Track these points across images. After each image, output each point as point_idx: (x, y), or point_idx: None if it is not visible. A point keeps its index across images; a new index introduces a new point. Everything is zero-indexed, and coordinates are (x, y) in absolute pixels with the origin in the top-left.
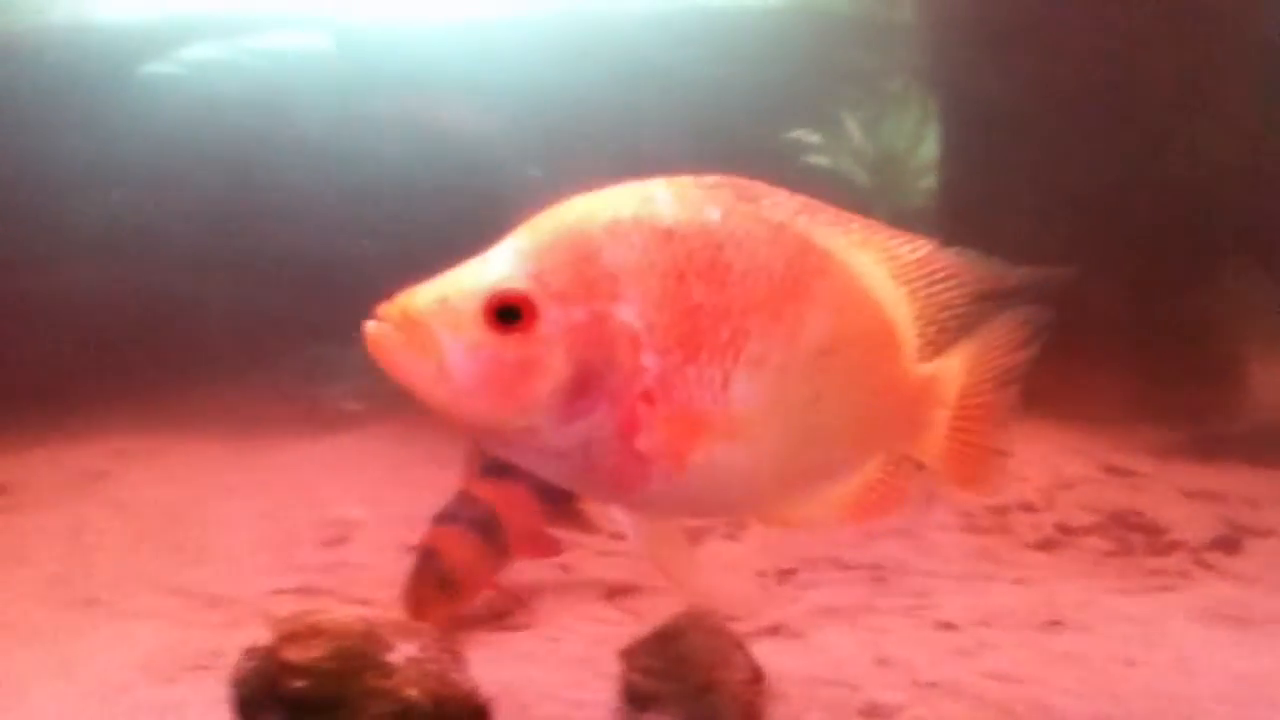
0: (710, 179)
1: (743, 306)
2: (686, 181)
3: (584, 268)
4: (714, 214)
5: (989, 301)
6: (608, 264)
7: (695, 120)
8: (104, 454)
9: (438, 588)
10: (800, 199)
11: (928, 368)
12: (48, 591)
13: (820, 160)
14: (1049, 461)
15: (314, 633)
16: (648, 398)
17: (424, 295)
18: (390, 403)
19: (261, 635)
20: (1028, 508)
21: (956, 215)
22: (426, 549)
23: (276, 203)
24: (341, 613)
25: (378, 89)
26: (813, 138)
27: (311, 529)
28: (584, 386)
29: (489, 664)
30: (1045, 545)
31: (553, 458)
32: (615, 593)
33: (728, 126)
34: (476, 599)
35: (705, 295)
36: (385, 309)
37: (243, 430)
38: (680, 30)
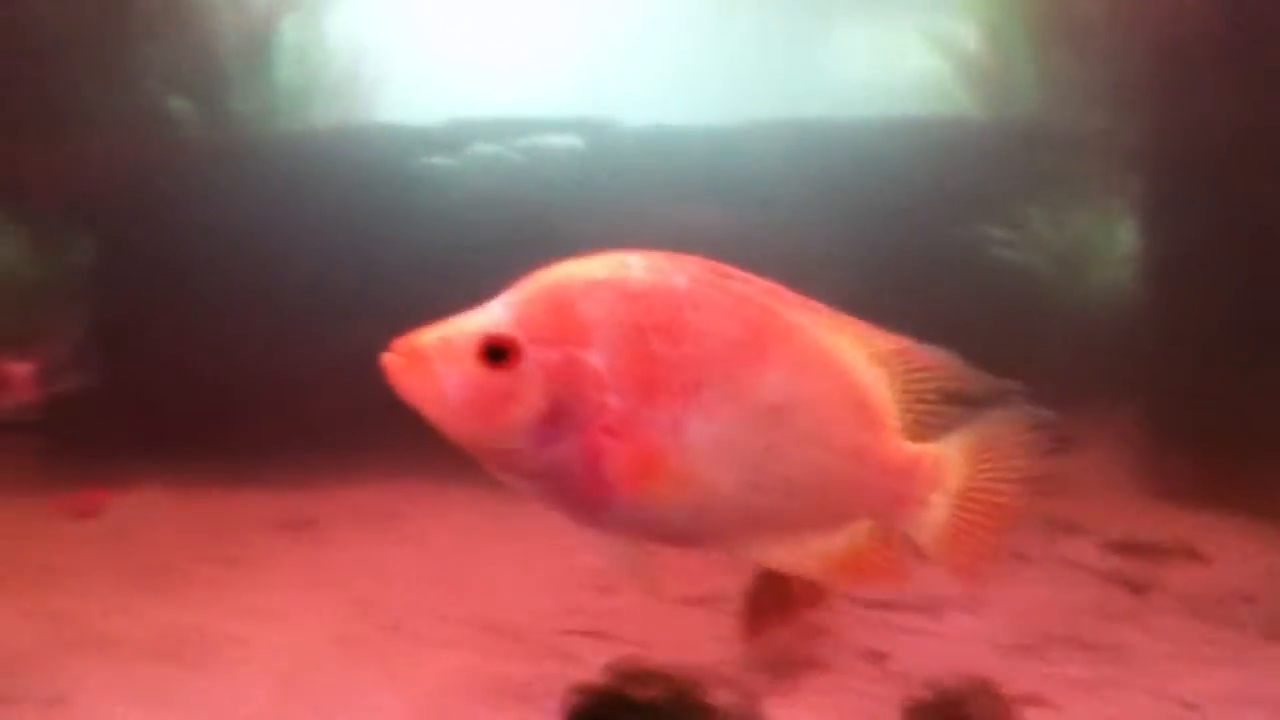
0: (687, 257)
1: (697, 360)
2: (660, 256)
3: (561, 317)
4: (679, 280)
5: (964, 404)
6: (580, 316)
7: (902, 218)
8: (396, 495)
9: (777, 605)
10: (771, 284)
11: (918, 447)
12: (358, 615)
13: (1008, 254)
14: (1262, 557)
15: (649, 675)
16: (610, 431)
17: (430, 334)
18: None
19: (571, 672)
20: (1248, 599)
21: (1143, 307)
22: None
23: None
24: (659, 659)
25: (624, 187)
26: (1001, 233)
27: (587, 575)
28: (556, 417)
29: (786, 711)
30: (1273, 634)
31: (530, 478)
32: (875, 655)
33: (929, 223)
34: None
35: (662, 348)
36: (398, 343)
37: None
38: (889, 137)
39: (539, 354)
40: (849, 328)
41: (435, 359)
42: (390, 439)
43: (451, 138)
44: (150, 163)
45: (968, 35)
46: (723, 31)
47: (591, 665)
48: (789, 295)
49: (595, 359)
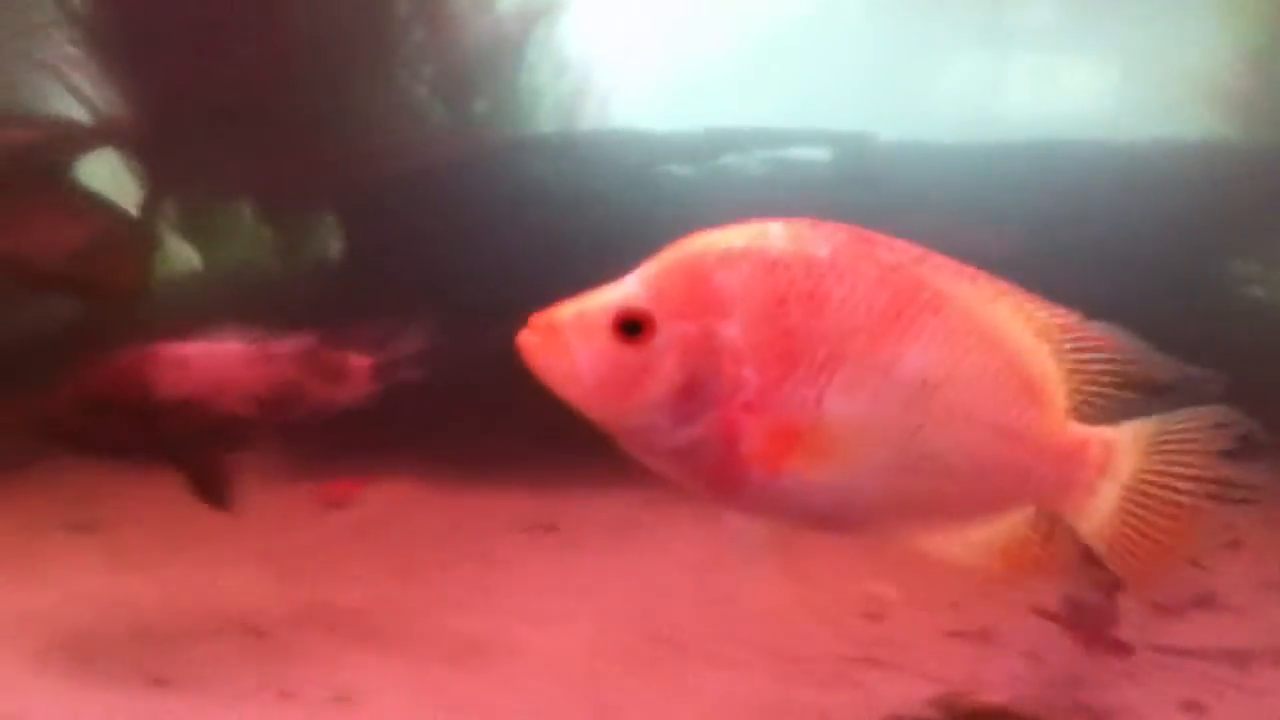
0: (833, 225)
1: (839, 333)
2: (804, 223)
3: (697, 289)
4: (822, 249)
5: (1137, 390)
6: (717, 287)
7: (1144, 249)
8: (635, 502)
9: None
10: (923, 252)
11: (1087, 429)
12: (623, 625)
13: (1257, 291)
14: None
15: (982, 712)
16: (748, 408)
17: (566, 309)
18: None
19: (867, 701)
20: None
21: None
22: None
23: None
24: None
25: (872, 201)
26: (1251, 268)
27: (849, 601)
28: (692, 393)
29: None
30: None
31: (667, 456)
32: (1192, 706)
33: (1173, 258)
34: None
35: (802, 320)
36: (534, 319)
37: None
38: (1134, 164)
39: (674, 328)
40: (1011, 298)
41: (569, 334)
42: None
43: (696, 147)
44: (406, 163)
45: (1220, 54)
46: (965, 51)
47: (885, 695)
48: (943, 263)
49: (733, 332)
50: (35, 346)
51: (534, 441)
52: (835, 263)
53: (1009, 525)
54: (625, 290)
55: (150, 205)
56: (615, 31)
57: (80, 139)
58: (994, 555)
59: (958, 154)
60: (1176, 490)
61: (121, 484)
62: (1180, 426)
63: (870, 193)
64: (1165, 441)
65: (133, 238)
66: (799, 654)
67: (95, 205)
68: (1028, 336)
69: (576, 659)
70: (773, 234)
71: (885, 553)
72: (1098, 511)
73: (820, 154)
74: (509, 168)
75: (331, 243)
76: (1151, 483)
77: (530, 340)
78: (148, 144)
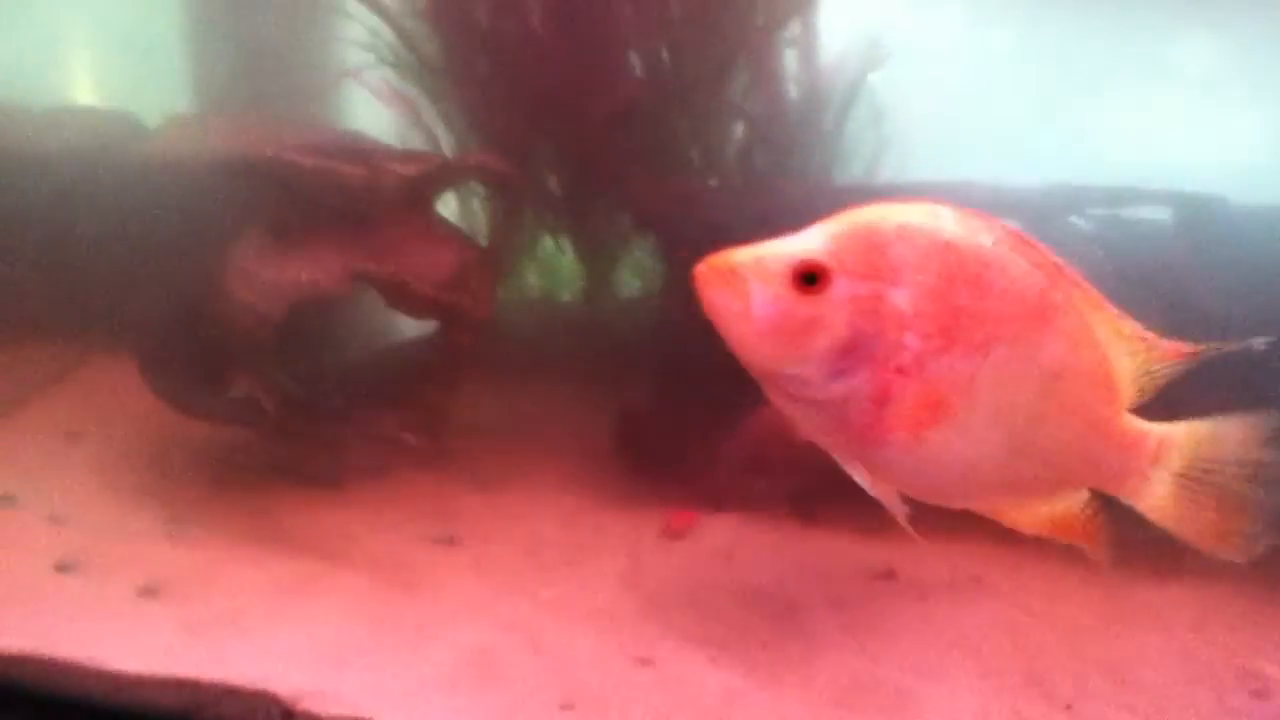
0: (993, 219)
1: (996, 318)
2: (970, 213)
3: (874, 255)
4: (987, 239)
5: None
6: (893, 256)
7: None
8: (972, 557)
9: None
10: (1055, 258)
11: (1145, 426)
12: (1021, 687)
13: None
14: None
15: None
16: (903, 372)
17: (746, 252)
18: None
19: None
20: None
21: None
22: None
23: None
24: None
25: (1210, 262)
26: None
27: (1231, 675)
28: (853, 350)
29: None
30: None
31: (815, 407)
32: None
33: None
34: None
35: (967, 299)
36: (714, 257)
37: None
38: None
39: (849, 286)
40: (1105, 308)
41: (748, 277)
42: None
43: (1037, 203)
44: (737, 206)
45: None
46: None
47: None
48: (1068, 270)
49: (901, 299)
50: (393, 363)
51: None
52: (998, 254)
53: (1065, 501)
54: (807, 244)
55: (502, 237)
56: (917, 86)
57: (452, 174)
58: (1046, 524)
59: None
60: (1221, 476)
61: (473, 502)
62: (1228, 425)
63: (1203, 253)
64: (1215, 438)
65: (487, 267)
66: None
67: (457, 236)
68: (1113, 339)
69: (971, 711)
70: (945, 217)
71: (1262, 627)
72: (1153, 494)
73: (1163, 214)
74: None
75: (637, 280)
76: (1201, 471)
77: (706, 276)
78: (506, 180)
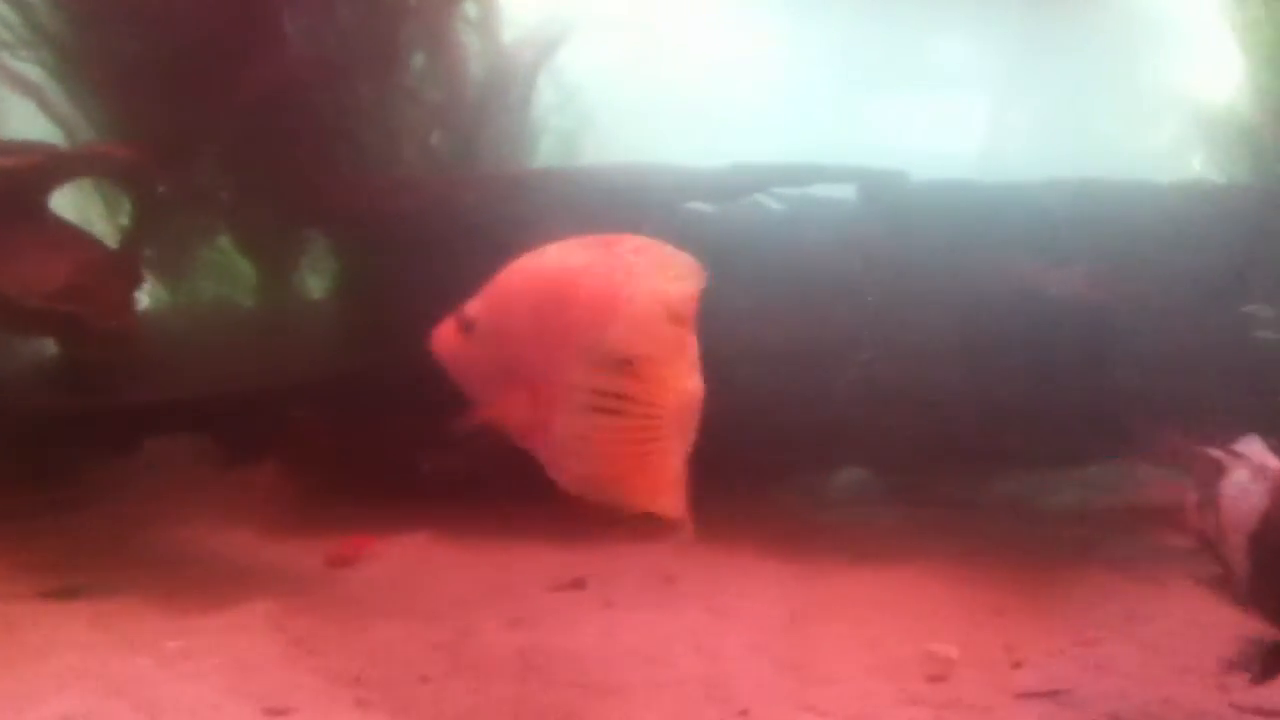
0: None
1: (576, 323)
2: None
3: (496, 300)
4: (579, 258)
5: None
6: (505, 295)
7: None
8: (666, 555)
9: None
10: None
11: None
12: (701, 696)
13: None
14: None
15: None
16: (524, 383)
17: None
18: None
19: None
20: None
21: None
22: None
23: None
24: None
25: (895, 238)
26: (1267, 312)
27: (913, 662)
28: (499, 372)
29: None
30: None
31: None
32: None
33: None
34: None
35: (553, 315)
36: None
37: (797, 549)
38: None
39: (486, 327)
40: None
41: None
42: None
43: (724, 184)
44: (412, 197)
45: (1236, 94)
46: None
47: None
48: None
49: (514, 328)
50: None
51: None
52: (576, 271)
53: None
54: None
55: (135, 238)
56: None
57: (65, 167)
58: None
59: (992, 194)
60: None
61: (107, 546)
62: None
63: (888, 229)
64: None
65: (118, 273)
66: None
67: (79, 239)
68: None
69: None
70: (554, 253)
71: (941, 611)
72: None
73: (846, 191)
74: (522, 203)
75: (313, 279)
76: None
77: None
78: (135, 173)
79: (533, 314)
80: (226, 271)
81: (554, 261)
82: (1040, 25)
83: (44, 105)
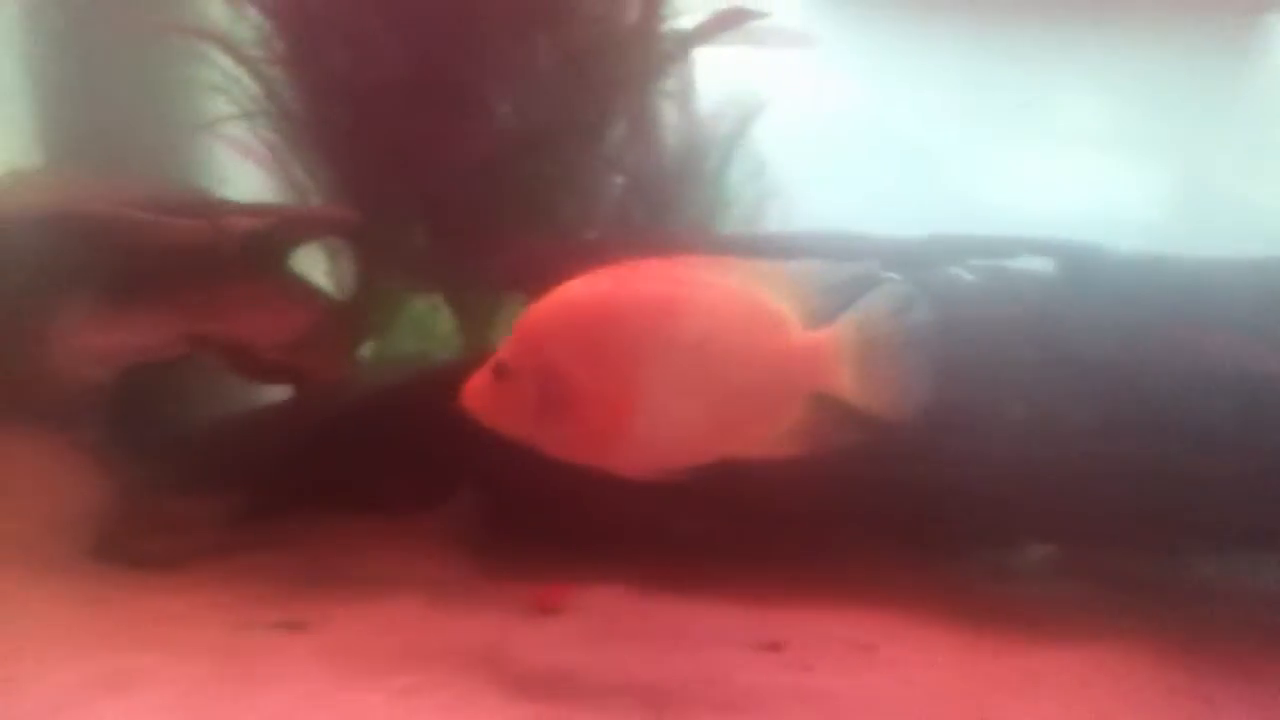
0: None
1: (633, 335)
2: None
3: (533, 341)
4: (608, 286)
5: None
6: (547, 335)
7: None
8: (869, 626)
9: None
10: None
11: (816, 331)
12: None
13: None
14: None
15: None
16: (581, 402)
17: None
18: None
19: None
20: None
21: None
22: None
23: None
24: None
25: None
26: None
27: None
28: (545, 406)
29: None
30: None
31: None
32: None
33: None
34: None
35: (602, 338)
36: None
37: (987, 622)
38: None
39: (524, 368)
40: (743, 268)
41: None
42: (854, 558)
43: (917, 254)
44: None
45: None
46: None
47: None
48: (696, 263)
49: (557, 360)
50: (241, 432)
51: (749, 546)
52: (616, 293)
53: (786, 416)
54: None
55: (362, 296)
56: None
57: (301, 227)
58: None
59: (1197, 269)
60: (885, 345)
61: (322, 582)
62: (874, 302)
63: (1087, 303)
64: (868, 318)
65: (343, 328)
66: None
67: (310, 294)
68: (764, 285)
69: None
70: (581, 286)
71: (1144, 695)
72: (843, 379)
73: (1046, 265)
74: None
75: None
76: (869, 346)
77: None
78: (363, 235)
79: (580, 336)
80: (425, 328)
81: (581, 290)
82: (1188, 81)
83: (281, 172)
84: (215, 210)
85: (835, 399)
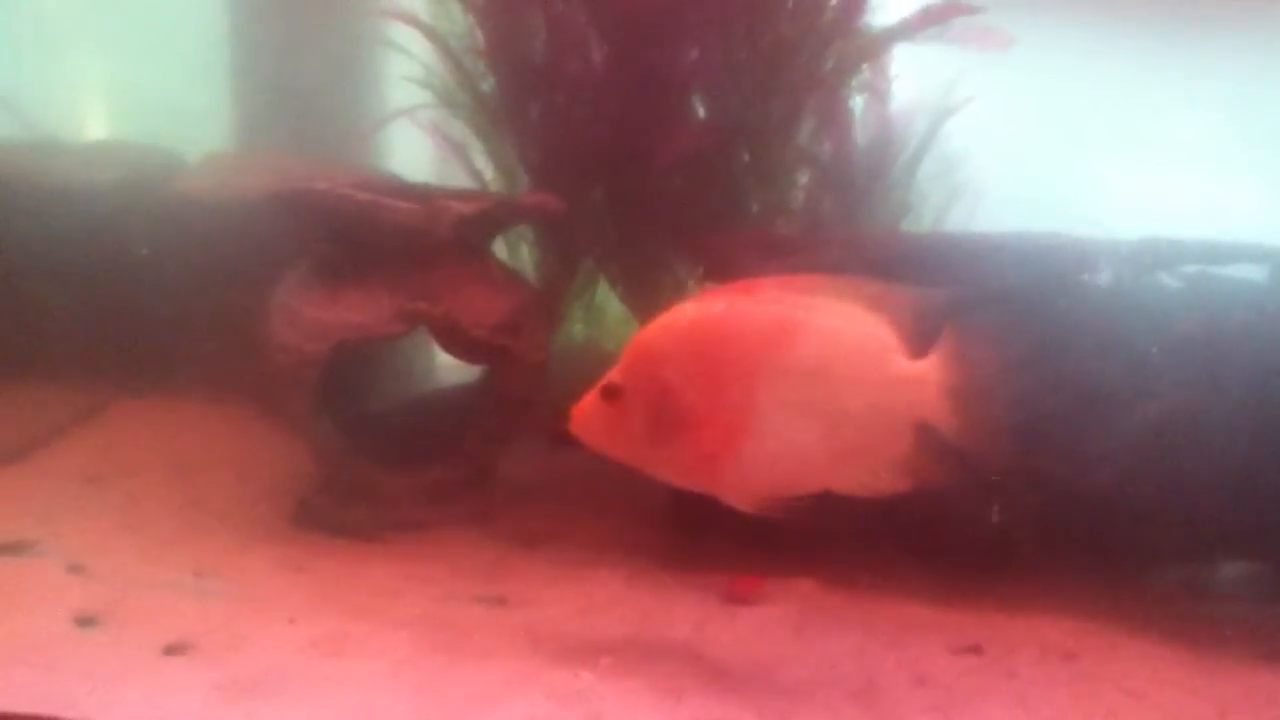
0: None
1: (742, 356)
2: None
3: (643, 362)
4: (719, 306)
5: None
6: (657, 356)
7: None
8: (1064, 635)
9: None
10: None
11: (919, 361)
12: None
13: None
14: None
15: None
16: (692, 424)
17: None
18: None
19: None
20: None
21: None
22: None
23: None
24: None
25: None
26: None
27: None
28: (656, 426)
29: None
30: None
31: (664, 470)
32: None
33: None
34: None
35: (713, 358)
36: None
37: (1195, 638)
38: None
39: (636, 389)
40: (858, 289)
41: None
42: (1039, 567)
43: (1124, 259)
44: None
45: None
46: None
47: None
48: (806, 287)
49: (668, 382)
50: (439, 411)
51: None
52: (726, 314)
53: (892, 447)
54: (616, 367)
55: (561, 283)
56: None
57: (509, 213)
58: (889, 477)
59: None
60: (981, 369)
61: (522, 560)
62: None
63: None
64: (964, 345)
65: (541, 312)
66: None
67: (513, 279)
68: (872, 309)
69: None
70: (690, 309)
71: None
72: (946, 409)
73: (1257, 272)
74: (919, 266)
75: None
76: (969, 371)
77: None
78: (563, 223)
79: (693, 357)
80: (597, 317)
81: (694, 312)
82: None
83: (464, 161)
84: (427, 195)
85: (935, 430)
